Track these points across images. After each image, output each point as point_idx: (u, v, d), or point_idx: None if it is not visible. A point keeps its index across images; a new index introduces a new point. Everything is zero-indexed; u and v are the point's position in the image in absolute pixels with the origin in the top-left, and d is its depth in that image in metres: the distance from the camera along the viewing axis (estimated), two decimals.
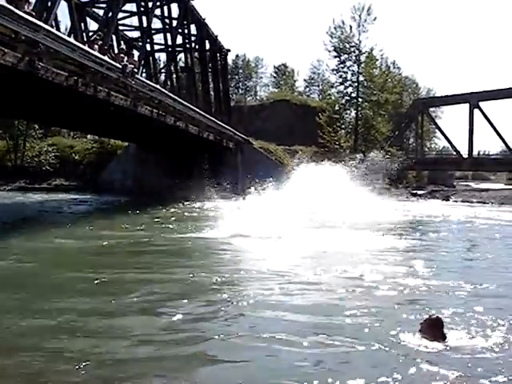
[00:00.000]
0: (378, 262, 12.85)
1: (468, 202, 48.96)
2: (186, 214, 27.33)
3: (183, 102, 35.19)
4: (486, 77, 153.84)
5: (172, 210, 28.96)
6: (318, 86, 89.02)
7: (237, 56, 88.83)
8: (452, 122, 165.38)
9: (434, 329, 6.77)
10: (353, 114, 61.30)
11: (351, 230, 19.20)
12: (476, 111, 64.06)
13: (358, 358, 6.39)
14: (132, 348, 6.61)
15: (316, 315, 8.09)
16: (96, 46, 23.86)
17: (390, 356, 6.36)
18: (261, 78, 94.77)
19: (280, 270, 11.60)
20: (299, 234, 17.50)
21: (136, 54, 36.17)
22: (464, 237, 20.15)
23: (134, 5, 34.48)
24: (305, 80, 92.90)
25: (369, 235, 18.23)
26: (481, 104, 64.02)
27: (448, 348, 6.50)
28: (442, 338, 6.70)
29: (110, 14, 28.86)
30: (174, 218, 24.23)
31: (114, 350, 6.51)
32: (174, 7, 39.37)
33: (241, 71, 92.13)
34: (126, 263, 12.58)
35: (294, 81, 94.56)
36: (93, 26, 34.06)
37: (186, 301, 8.81)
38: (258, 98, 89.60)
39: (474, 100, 64.05)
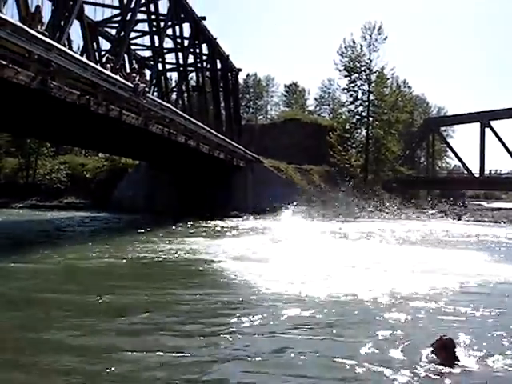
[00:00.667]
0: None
1: (480, 221, 48.67)
2: (198, 232, 27.04)
3: (194, 120, 35.32)
4: (498, 96, 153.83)
5: (182, 229, 28.78)
6: (329, 104, 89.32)
7: (248, 75, 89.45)
8: (463, 140, 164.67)
9: (445, 350, 6.67)
10: (363, 133, 61.35)
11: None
12: (487, 130, 63.95)
13: (368, 376, 6.34)
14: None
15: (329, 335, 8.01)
16: (108, 66, 24.05)
17: (400, 376, 6.29)
18: (272, 96, 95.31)
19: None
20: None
21: (148, 73, 36.45)
22: (479, 255, 19.85)
23: (146, 24, 34.84)
24: (315, 99, 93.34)
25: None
26: (492, 123, 63.93)
27: (458, 370, 6.39)
28: (453, 359, 6.59)
29: (122, 34, 29.12)
30: (185, 238, 24.07)
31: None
32: (186, 27, 39.71)
33: (252, 90, 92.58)
34: (137, 285, 12.35)
35: (305, 100, 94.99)
36: (105, 45, 34.42)
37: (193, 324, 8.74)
38: (268, 116, 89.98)
39: (485, 119, 64.03)
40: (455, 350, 6.76)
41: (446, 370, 6.37)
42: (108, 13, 33.01)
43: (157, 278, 13.46)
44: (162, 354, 6.98)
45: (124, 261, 15.87)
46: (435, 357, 6.67)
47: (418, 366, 6.54)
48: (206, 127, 37.59)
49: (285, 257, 16.35)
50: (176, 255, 17.30)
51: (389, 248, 21.13)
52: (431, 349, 6.82)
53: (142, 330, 8.24)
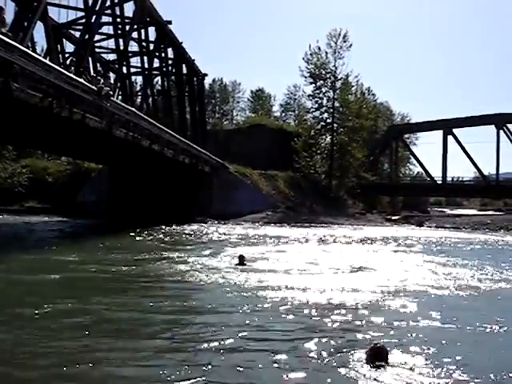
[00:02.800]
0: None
1: (442, 227, 49.42)
2: (157, 238, 26.60)
3: (159, 125, 35.14)
4: (460, 104, 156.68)
5: (144, 234, 28.31)
6: (294, 111, 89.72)
7: (214, 80, 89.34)
8: (426, 148, 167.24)
9: (378, 357, 6.78)
10: (328, 139, 61.61)
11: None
12: (450, 138, 64.98)
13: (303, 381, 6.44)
14: None
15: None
16: (72, 68, 23.79)
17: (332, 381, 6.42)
18: (237, 102, 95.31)
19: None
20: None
21: (112, 76, 36.20)
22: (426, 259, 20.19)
23: (111, 27, 34.55)
24: (281, 105, 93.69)
25: None
26: (454, 131, 64.94)
27: (390, 377, 6.46)
28: (385, 365, 6.69)
29: (87, 36, 28.83)
30: (144, 244, 23.77)
31: None
32: (152, 31, 39.56)
33: (217, 95, 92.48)
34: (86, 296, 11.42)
35: (271, 106, 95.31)
36: (69, 47, 34.07)
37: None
38: (234, 122, 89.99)
39: (447, 127, 64.99)
40: (388, 356, 6.87)
41: (379, 376, 6.44)
42: (72, 15, 32.69)
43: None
44: None
45: (68, 272, 14.60)
46: (369, 363, 6.77)
47: (352, 372, 6.62)
48: (170, 132, 37.44)
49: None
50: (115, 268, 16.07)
51: (339, 253, 21.54)
52: (365, 356, 6.94)
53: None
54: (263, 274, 14.31)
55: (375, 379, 6.38)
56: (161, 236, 27.68)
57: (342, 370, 6.67)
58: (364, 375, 6.49)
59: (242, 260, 16.09)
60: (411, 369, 6.78)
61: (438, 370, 6.82)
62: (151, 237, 26.97)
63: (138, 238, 26.30)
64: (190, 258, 17.55)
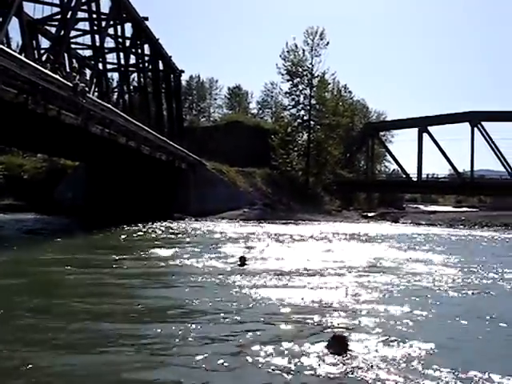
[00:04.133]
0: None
1: (417, 223, 49.99)
2: (133, 236, 26.10)
3: (135, 122, 35.03)
4: (435, 102, 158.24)
5: (123, 232, 28.04)
6: (271, 108, 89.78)
7: (191, 77, 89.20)
8: (402, 145, 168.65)
9: (339, 345, 7.02)
10: (305, 136, 61.88)
11: None
12: (425, 135, 65.65)
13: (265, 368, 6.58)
14: None
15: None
16: (48, 65, 23.64)
17: (293, 367, 6.59)
18: (215, 99, 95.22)
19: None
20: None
21: (88, 72, 36.01)
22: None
23: (87, 23, 34.36)
24: (258, 102, 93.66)
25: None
26: (429, 128, 65.62)
27: (348, 364, 6.66)
28: (346, 353, 6.91)
29: (63, 32, 28.64)
30: (123, 242, 23.50)
31: None
32: (128, 27, 39.38)
33: (194, 92, 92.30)
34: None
35: (248, 103, 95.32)
36: (45, 43, 33.81)
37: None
38: (211, 119, 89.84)
39: (422, 124, 65.65)
40: (348, 345, 7.10)
41: (339, 364, 6.64)
42: (48, 11, 32.45)
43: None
44: None
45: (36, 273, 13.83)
46: (330, 352, 6.98)
47: (313, 361, 6.79)
48: (147, 128, 37.35)
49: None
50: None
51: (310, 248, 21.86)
52: (326, 344, 7.16)
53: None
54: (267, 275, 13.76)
55: (335, 367, 6.57)
56: (139, 234, 27.44)
57: (304, 359, 6.85)
58: (325, 363, 6.68)
59: (243, 261, 15.40)
60: (371, 356, 7.00)
61: (399, 356, 7.03)
62: (130, 235, 26.70)
63: (116, 236, 25.97)
64: (175, 257, 17.11)
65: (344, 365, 6.59)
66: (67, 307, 9.79)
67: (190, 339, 7.66)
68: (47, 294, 11.43)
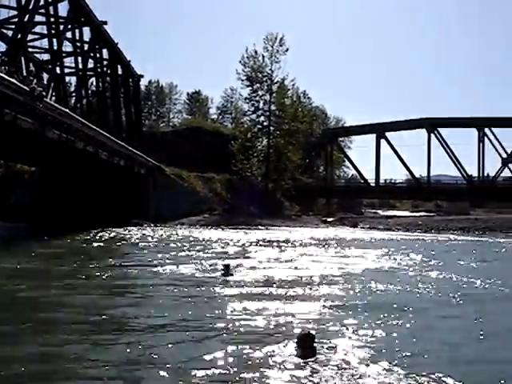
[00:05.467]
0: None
1: (375, 228, 50.61)
2: (88, 244, 25.50)
3: (93, 126, 34.67)
4: (393, 108, 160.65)
5: (76, 238, 27.58)
6: (231, 113, 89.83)
7: (150, 82, 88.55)
8: (361, 151, 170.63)
9: (305, 342, 7.24)
10: (265, 142, 62.08)
11: None
12: (382, 141, 66.44)
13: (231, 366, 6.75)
14: None
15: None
16: (3, 68, 23.24)
17: (264, 362, 6.87)
18: (174, 104, 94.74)
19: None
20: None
21: (45, 76, 35.51)
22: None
23: (45, 27, 33.92)
24: (218, 108, 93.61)
25: None
26: (387, 134, 66.46)
27: (316, 360, 6.92)
28: (311, 349, 7.15)
29: (20, 36, 28.21)
30: (83, 249, 23.10)
31: None
32: (86, 31, 39.03)
33: (154, 97, 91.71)
34: None
35: (208, 108, 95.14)
36: (1, 46, 33.23)
37: None
38: (171, 124, 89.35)
39: (380, 130, 66.44)
40: (314, 341, 7.31)
41: (305, 359, 6.89)
42: (5, 13, 31.94)
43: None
44: None
45: None
46: (297, 348, 7.25)
47: (281, 357, 7.05)
48: (105, 133, 37.00)
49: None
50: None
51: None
52: (295, 340, 7.42)
53: None
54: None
55: (302, 364, 6.78)
56: (94, 241, 27.01)
57: (273, 357, 7.07)
58: (292, 361, 6.90)
59: (227, 270, 14.62)
60: (337, 353, 7.27)
61: (364, 353, 7.29)
62: (85, 242, 26.27)
63: (70, 244, 25.59)
64: (129, 267, 16.81)
65: (310, 367, 6.71)
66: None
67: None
68: None
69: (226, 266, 14.91)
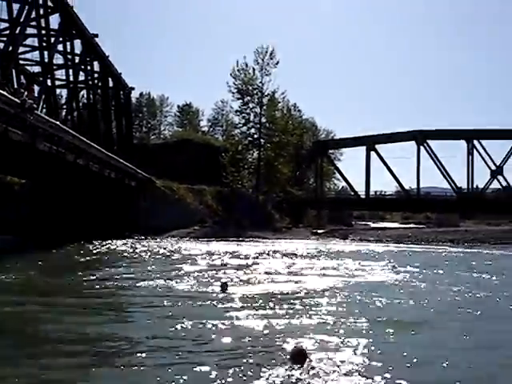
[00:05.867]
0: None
1: (365, 240, 50.65)
2: (76, 256, 25.14)
3: (84, 139, 34.66)
4: (383, 121, 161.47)
5: (62, 251, 27.37)
6: (222, 126, 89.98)
7: (141, 94, 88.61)
8: (351, 163, 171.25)
9: (299, 357, 7.29)
10: (255, 154, 62.27)
11: None
12: (372, 153, 66.78)
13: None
14: None
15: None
16: None
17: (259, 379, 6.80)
18: (165, 116, 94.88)
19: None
20: None
21: (36, 89, 35.51)
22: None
23: (36, 39, 34.01)
24: (209, 120, 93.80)
25: None
26: (377, 146, 66.80)
27: (308, 373, 6.95)
28: (305, 364, 7.19)
29: (11, 48, 28.28)
30: (74, 262, 22.95)
31: None
32: (77, 43, 39.11)
33: (145, 109, 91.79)
34: None
35: (199, 120, 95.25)
36: None
37: None
38: (161, 136, 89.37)
39: (370, 143, 66.78)
40: (308, 356, 7.39)
41: (300, 375, 6.90)
42: None
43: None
44: None
45: None
46: (291, 363, 7.25)
47: (275, 372, 7.04)
48: (96, 146, 36.99)
49: None
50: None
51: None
52: (288, 356, 7.47)
53: None
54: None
55: (296, 378, 6.80)
56: (86, 253, 26.92)
57: (266, 370, 7.10)
58: (285, 375, 6.90)
59: (225, 287, 14.44)
60: (329, 368, 7.25)
61: (356, 369, 7.32)
62: (77, 254, 26.03)
63: (59, 256, 25.37)
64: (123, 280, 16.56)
65: (304, 377, 6.79)
66: None
67: None
68: None
69: (224, 284, 14.74)
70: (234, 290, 14.36)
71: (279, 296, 13.93)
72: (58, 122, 30.70)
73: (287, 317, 11.08)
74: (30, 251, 26.64)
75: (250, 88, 59.69)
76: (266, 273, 19.15)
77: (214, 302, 12.60)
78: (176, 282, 15.87)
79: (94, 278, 17.05)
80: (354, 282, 17.31)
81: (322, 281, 17.08)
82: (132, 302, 13.63)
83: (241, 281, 16.50)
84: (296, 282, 16.63)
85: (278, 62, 59.19)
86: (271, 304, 12.59)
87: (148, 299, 13.29)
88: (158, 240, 39.91)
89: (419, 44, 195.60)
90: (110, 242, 34.46)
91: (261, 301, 13.02)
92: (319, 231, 58.71)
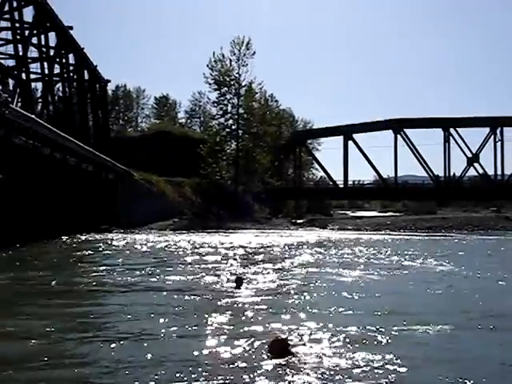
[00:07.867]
0: None
1: (344, 229, 51.03)
2: (52, 252, 24.39)
3: (60, 132, 34.36)
4: (360, 110, 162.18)
5: (36, 245, 26.96)
6: (200, 117, 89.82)
7: (117, 86, 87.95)
8: (329, 153, 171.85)
9: (280, 348, 7.14)
10: (234, 145, 62.31)
11: None
12: (350, 143, 67.15)
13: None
14: None
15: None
16: None
17: (227, 372, 6.62)
18: (142, 109, 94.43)
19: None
20: None
21: (11, 82, 35.15)
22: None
23: (10, 33, 33.64)
24: (186, 112, 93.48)
25: None
26: (354, 136, 67.18)
27: (290, 365, 6.80)
28: (287, 356, 7.03)
29: None
30: (53, 256, 22.59)
31: None
32: (52, 36, 38.72)
33: (121, 102, 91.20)
34: None
35: (176, 112, 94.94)
36: None
37: None
38: (139, 129, 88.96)
39: (347, 133, 67.16)
40: (289, 347, 7.24)
41: (280, 366, 6.76)
42: None
43: None
44: None
45: None
46: (271, 354, 7.10)
47: (254, 363, 6.90)
48: (72, 139, 36.67)
49: None
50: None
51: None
52: (267, 347, 7.29)
53: None
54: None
55: (276, 370, 6.67)
56: (64, 247, 26.64)
57: (244, 363, 6.92)
58: (265, 367, 6.76)
59: (239, 283, 13.25)
60: (311, 359, 7.13)
61: (340, 360, 7.15)
62: (53, 249, 25.57)
63: (34, 251, 24.81)
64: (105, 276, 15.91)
65: (285, 369, 6.68)
66: None
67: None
68: None
69: (239, 279, 13.68)
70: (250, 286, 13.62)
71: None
72: (33, 116, 30.39)
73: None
74: (9, 246, 26.26)
75: (227, 79, 59.70)
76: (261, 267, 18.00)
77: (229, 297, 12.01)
78: (160, 276, 15.27)
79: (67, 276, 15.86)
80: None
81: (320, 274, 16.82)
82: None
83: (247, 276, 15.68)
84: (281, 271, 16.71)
85: (254, 53, 59.33)
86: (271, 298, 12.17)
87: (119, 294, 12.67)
88: (138, 233, 39.74)
89: (395, 32, 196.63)
90: (87, 235, 34.22)
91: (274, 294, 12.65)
92: (298, 221, 59.00)
